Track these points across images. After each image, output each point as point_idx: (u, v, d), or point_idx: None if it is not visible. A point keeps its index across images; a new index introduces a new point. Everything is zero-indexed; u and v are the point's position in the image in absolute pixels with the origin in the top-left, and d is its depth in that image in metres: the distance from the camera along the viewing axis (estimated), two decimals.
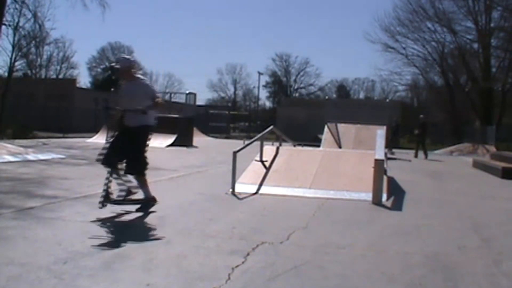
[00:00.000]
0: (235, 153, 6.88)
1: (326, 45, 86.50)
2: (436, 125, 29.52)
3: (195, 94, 49.22)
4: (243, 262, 3.44)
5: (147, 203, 5.15)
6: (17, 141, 15.30)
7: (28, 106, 28.41)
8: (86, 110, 28.31)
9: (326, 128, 15.11)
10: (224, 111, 45.88)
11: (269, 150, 8.38)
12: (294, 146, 11.50)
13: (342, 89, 66.34)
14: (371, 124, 14.91)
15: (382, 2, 57.68)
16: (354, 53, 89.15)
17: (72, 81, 39.50)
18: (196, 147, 18.15)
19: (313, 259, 3.60)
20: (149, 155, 5.24)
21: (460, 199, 6.99)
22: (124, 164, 5.00)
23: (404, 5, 31.13)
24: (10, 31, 25.67)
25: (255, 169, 7.64)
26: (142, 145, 5.07)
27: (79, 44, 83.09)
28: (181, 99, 48.35)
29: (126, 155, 4.97)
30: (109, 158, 4.89)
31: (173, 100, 42.99)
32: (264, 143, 8.38)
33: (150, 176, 8.31)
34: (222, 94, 67.33)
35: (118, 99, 5.45)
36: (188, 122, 19.97)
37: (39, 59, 44.32)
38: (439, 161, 15.94)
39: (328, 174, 7.33)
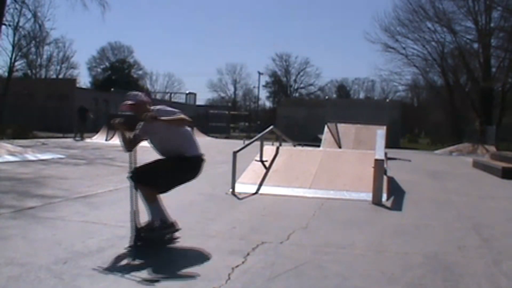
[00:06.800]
0: (235, 153, 6.88)
1: (326, 45, 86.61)
2: (436, 125, 29.47)
3: (195, 94, 49.30)
4: (243, 262, 3.44)
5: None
6: (16, 141, 15.28)
7: (28, 106, 28.40)
8: None
9: (326, 128, 15.12)
10: (224, 111, 45.84)
11: (269, 150, 8.38)
12: (294, 146, 11.50)
13: (342, 89, 66.32)
14: (371, 124, 14.92)
15: (382, 2, 57.77)
16: (354, 53, 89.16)
17: (72, 81, 39.42)
18: None
19: (313, 259, 3.60)
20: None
21: (460, 199, 6.98)
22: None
23: (404, 5, 31.10)
24: (10, 31, 25.75)
25: (255, 169, 7.64)
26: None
27: (79, 44, 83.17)
28: (181, 99, 48.41)
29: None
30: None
31: (173, 100, 43.00)
32: (264, 143, 8.38)
33: None
34: (222, 94, 67.30)
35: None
36: None
37: (39, 59, 44.38)
38: (435, 161, 15.93)
39: (328, 174, 7.32)
